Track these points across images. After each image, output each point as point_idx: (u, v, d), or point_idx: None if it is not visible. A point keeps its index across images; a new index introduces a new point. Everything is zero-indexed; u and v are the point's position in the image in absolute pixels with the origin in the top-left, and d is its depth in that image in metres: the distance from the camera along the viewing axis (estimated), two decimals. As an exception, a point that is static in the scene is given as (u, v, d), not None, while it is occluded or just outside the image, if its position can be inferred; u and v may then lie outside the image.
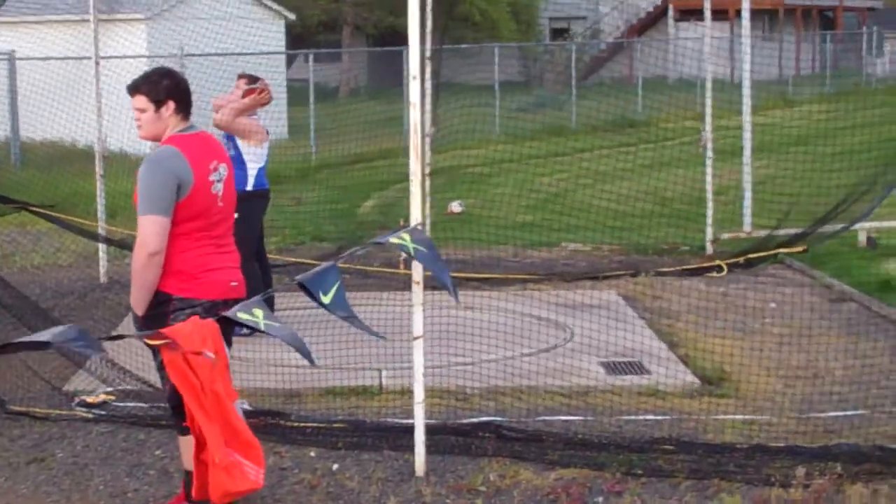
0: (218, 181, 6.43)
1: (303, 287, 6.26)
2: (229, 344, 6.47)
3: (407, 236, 7.00)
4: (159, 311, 6.31)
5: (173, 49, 23.17)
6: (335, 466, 7.56)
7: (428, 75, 14.09)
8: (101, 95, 13.04)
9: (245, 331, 5.86)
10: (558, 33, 52.44)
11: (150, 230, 6.20)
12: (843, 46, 50.54)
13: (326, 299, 6.08)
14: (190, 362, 5.66)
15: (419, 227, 7.17)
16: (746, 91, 15.24)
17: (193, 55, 22.53)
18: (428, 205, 14.68)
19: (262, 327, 5.70)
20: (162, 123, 6.46)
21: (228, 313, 5.78)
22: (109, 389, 8.98)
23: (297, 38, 40.71)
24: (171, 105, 6.46)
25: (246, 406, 8.40)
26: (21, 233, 15.96)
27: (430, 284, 12.12)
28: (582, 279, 13.16)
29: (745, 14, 15.09)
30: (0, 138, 23.89)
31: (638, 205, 18.23)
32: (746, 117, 15.19)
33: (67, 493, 7.22)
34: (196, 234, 6.34)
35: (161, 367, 6.53)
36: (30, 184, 18.80)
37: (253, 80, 11.03)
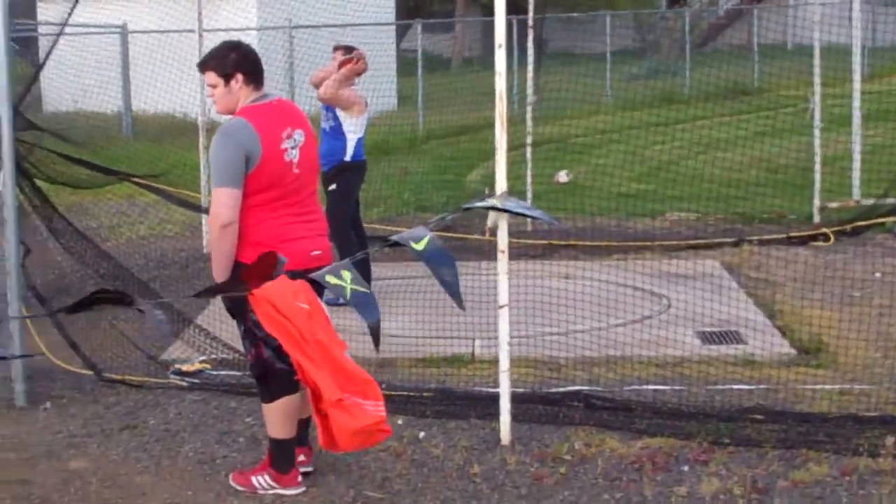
0: (292, 148, 6.47)
1: (394, 244, 6.31)
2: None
3: (495, 200, 7.01)
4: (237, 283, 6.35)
5: (283, 21, 23.29)
6: (421, 434, 7.59)
7: (530, 43, 14.00)
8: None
9: (341, 300, 5.87)
10: (674, 1, 51.85)
11: (222, 201, 6.28)
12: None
13: (420, 246, 6.10)
14: (285, 314, 5.66)
15: (505, 194, 7.14)
16: (857, 59, 14.93)
17: (301, 26, 22.65)
18: (529, 174, 14.66)
19: (348, 293, 5.72)
20: (234, 97, 6.54)
21: (315, 275, 5.83)
22: (204, 358, 9.11)
23: (413, 9, 40.80)
24: (240, 77, 6.53)
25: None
26: (129, 204, 16.19)
27: (525, 254, 12.17)
28: (683, 248, 13.03)
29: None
30: (115, 110, 24.26)
31: (747, 173, 18.01)
32: (856, 85, 14.89)
33: (157, 459, 7.32)
34: (273, 204, 6.40)
35: (245, 336, 6.61)
36: (140, 155, 19.07)
37: (349, 50, 11.07)
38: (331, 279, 5.73)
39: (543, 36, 45.26)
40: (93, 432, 7.82)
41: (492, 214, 9.62)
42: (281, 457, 6.69)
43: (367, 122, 11.13)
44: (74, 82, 22.12)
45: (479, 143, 21.96)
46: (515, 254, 11.90)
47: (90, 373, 8.93)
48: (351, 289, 5.71)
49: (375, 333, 5.77)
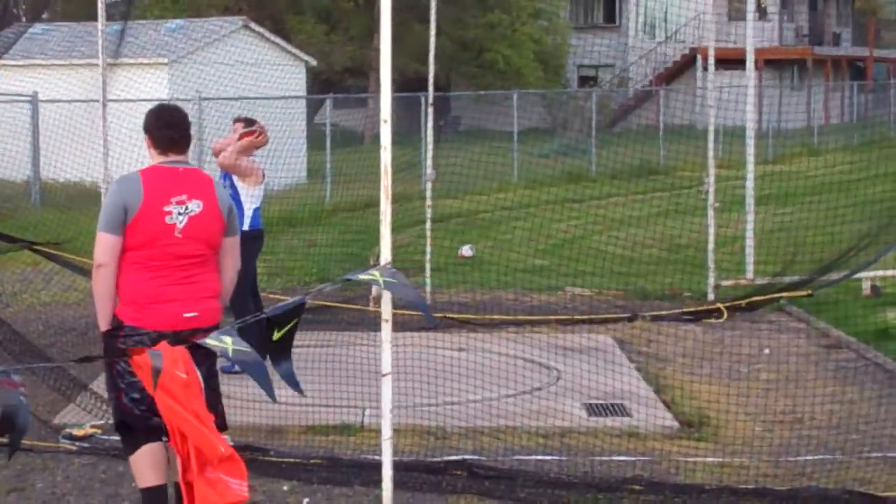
0: (180, 214, 6.65)
1: (268, 321, 6.42)
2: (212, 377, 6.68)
3: (377, 272, 7.15)
4: (112, 335, 6.66)
5: (192, 93, 23.47)
6: (306, 501, 7.70)
7: (429, 119, 14.28)
8: (107, 136, 13.28)
9: (236, 368, 6.02)
10: (586, 81, 52.67)
11: (98, 244, 6.64)
12: (874, 97, 50.53)
13: (277, 335, 6.21)
14: (164, 382, 5.78)
15: (388, 266, 7.30)
16: (750, 141, 15.33)
17: (211, 98, 22.84)
18: (428, 248, 14.87)
19: (230, 353, 5.85)
20: (150, 153, 6.87)
21: (203, 341, 5.95)
22: (96, 423, 9.15)
23: (325, 83, 41.07)
24: (147, 139, 6.87)
25: (227, 441, 8.55)
26: (34, 271, 16.17)
27: (422, 325, 12.35)
28: (577, 322, 13.27)
29: (749, 62, 15.17)
30: (23, 178, 24.22)
31: (646, 251, 18.35)
32: (749, 167, 15.28)
33: (41, 523, 7.37)
34: (148, 264, 6.62)
35: (108, 382, 6.85)
36: (46, 223, 19.07)
37: (250, 122, 11.25)
38: (212, 341, 5.86)
39: (454, 113, 45.88)
40: (-22, 495, 7.85)
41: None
42: None
43: (264, 193, 11.28)
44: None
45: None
46: (413, 325, 12.11)
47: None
48: (233, 349, 5.84)
49: (264, 383, 5.90)
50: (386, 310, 7.38)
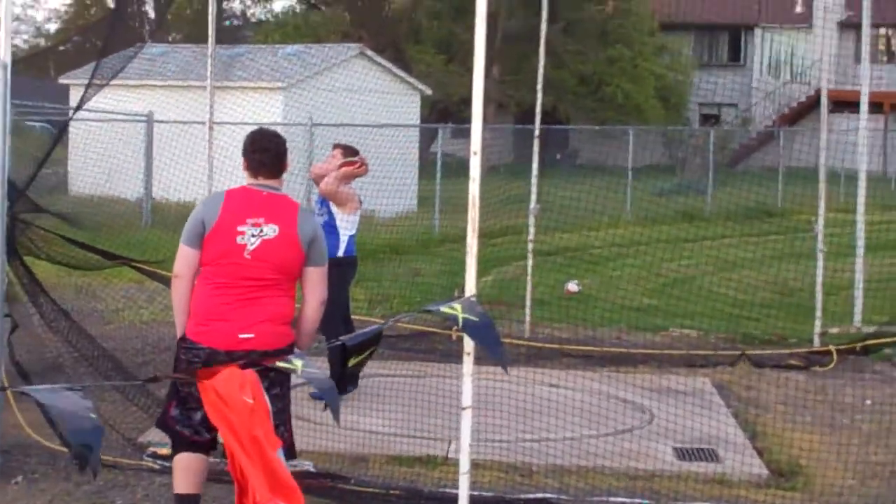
0: (253, 235, 6.70)
1: (345, 348, 6.38)
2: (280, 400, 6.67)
3: (458, 306, 7.06)
4: (178, 346, 6.86)
5: (305, 118, 23.63)
6: (382, 532, 7.62)
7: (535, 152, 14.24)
8: (213, 158, 13.42)
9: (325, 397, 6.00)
10: (707, 119, 52.24)
11: (178, 255, 6.82)
12: None
13: (352, 362, 6.17)
14: (228, 406, 5.77)
15: (472, 299, 7.21)
16: (861, 185, 15.05)
17: (324, 124, 22.96)
18: (529, 280, 14.76)
19: (300, 373, 5.83)
20: (245, 175, 7.02)
21: (269, 363, 5.96)
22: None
23: (443, 113, 41.20)
24: (243, 161, 6.98)
25: (310, 468, 8.54)
26: (139, 289, 16.33)
27: (517, 359, 12.22)
28: (677, 364, 13.05)
29: (863, 104, 14.91)
30: (136, 197, 24.57)
31: (756, 294, 18.05)
32: (860, 211, 14.99)
33: (117, 540, 7.38)
34: (215, 281, 6.69)
35: (168, 393, 7.02)
36: (151, 241, 19.24)
37: (351, 151, 11.26)
38: (282, 364, 5.83)
39: (573, 147, 45.75)
40: (58, 510, 7.89)
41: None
42: None
43: (359, 220, 11.29)
44: (99, 167, 22.44)
45: (494, 249, 22.08)
46: (510, 358, 12.02)
47: (65, 450, 8.99)
48: (303, 371, 5.82)
49: (334, 410, 5.88)
50: (469, 343, 7.30)
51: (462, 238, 21.16)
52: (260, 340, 6.69)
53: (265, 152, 6.93)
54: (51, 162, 9.65)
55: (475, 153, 7.29)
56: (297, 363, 5.88)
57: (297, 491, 5.91)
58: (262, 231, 6.70)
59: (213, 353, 6.47)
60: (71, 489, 8.32)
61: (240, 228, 6.68)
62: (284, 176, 7.10)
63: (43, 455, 8.99)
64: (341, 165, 11.07)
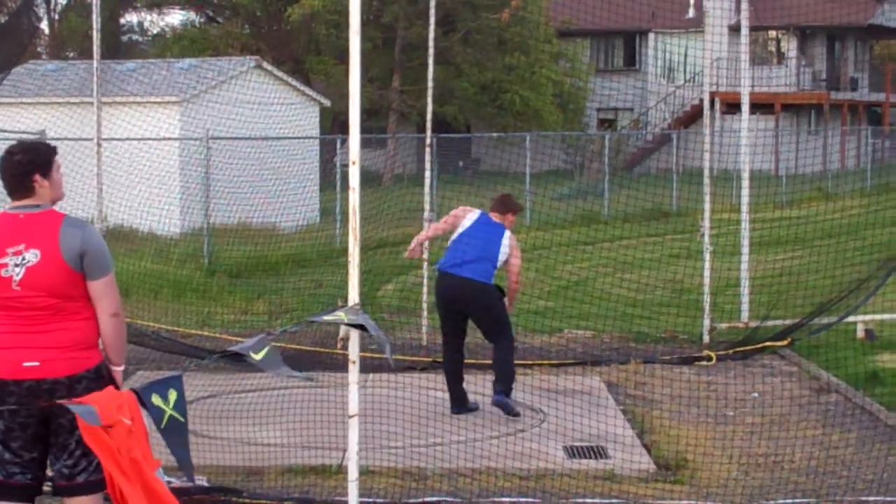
0: (16, 265, 6.37)
1: (234, 355, 6.51)
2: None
3: (343, 314, 7.23)
4: None
5: (202, 131, 23.64)
6: (275, 541, 7.76)
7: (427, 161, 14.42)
8: (101, 174, 13.42)
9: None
10: (604, 123, 52.79)
11: None
12: (890, 142, 50.49)
13: (258, 356, 6.30)
14: (106, 426, 5.86)
15: (356, 307, 7.38)
16: (745, 185, 15.43)
17: (218, 138, 22.98)
18: (425, 289, 14.94)
19: (164, 419, 5.95)
20: None
21: (141, 391, 6.02)
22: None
23: (343, 124, 41.25)
24: None
25: (204, 482, 8.63)
26: None
27: (412, 367, 12.39)
28: (568, 365, 13.32)
29: (745, 105, 15.32)
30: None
31: (651, 294, 18.38)
32: (744, 210, 15.38)
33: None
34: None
35: None
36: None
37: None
38: (155, 399, 5.92)
39: (474, 156, 46.04)
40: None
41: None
42: None
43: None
44: None
45: (395, 258, 22.22)
46: (404, 365, 12.21)
47: None
48: (169, 415, 5.93)
49: (185, 466, 6.00)
50: (353, 351, 7.46)
51: (364, 249, 21.29)
52: (48, 368, 6.38)
53: (4, 172, 6.52)
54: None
55: (353, 163, 7.48)
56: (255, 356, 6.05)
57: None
58: (24, 259, 6.35)
59: (1, 383, 6.26)
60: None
61: (2, 261, 6.34)
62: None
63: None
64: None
